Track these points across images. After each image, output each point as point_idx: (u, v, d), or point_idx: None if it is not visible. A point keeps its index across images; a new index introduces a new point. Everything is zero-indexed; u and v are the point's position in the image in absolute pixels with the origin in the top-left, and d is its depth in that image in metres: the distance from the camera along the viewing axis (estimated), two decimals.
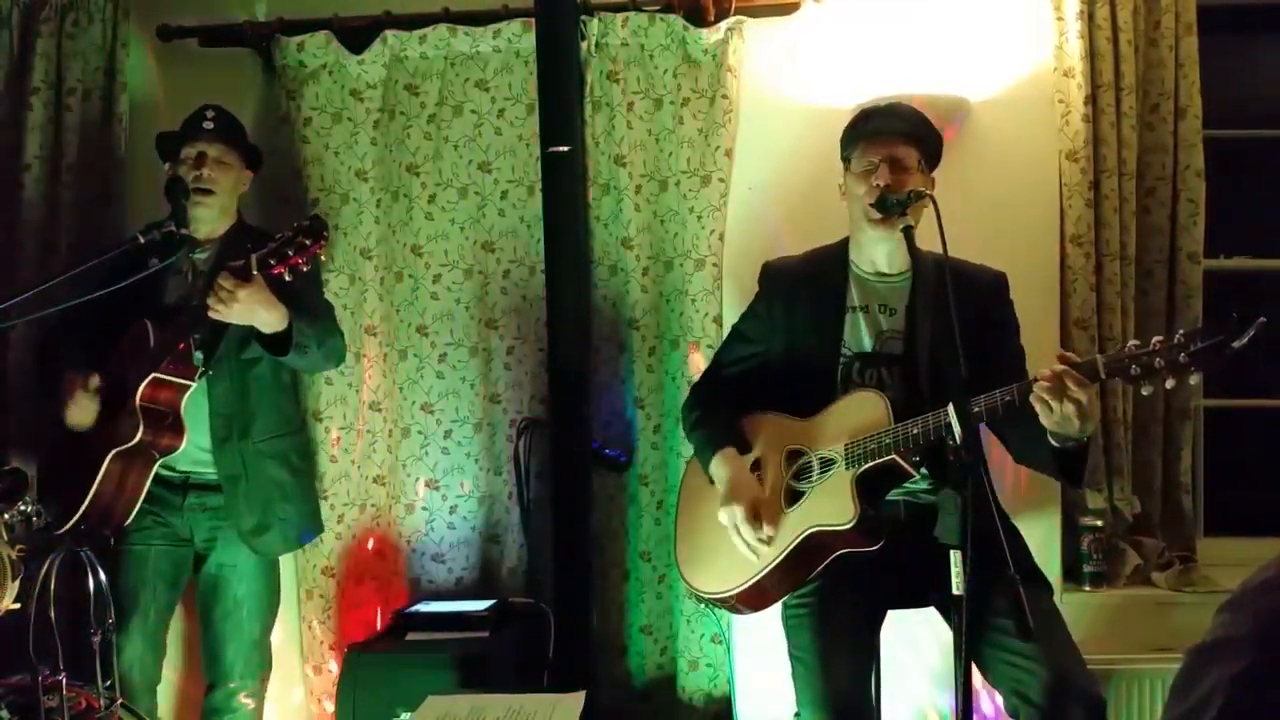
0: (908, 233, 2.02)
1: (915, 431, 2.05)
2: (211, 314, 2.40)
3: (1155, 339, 1.87)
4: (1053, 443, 1.99)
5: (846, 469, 2.14)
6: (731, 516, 2.20)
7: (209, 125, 2.67)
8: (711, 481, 2.34)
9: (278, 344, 2.51)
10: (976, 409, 1.97)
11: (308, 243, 2.37)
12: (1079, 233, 2.83)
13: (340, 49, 3.03)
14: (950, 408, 1.85)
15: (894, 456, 2.09)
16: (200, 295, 2.58)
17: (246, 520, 2.65)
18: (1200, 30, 2.88)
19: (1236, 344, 1.79)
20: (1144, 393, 1.94)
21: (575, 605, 2.87)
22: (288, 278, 2.40)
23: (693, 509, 2.44)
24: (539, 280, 3.00)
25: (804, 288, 2.38)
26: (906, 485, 2.20)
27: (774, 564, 2.16)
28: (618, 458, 2.97)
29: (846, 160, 2.34)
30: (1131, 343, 1.90)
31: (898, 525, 2.16)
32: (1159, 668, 2.67)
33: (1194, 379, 1.85)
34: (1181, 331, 1.86)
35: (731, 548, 2.24)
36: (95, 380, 2.54)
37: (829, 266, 2.37)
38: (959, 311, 1.87)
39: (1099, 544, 2.86)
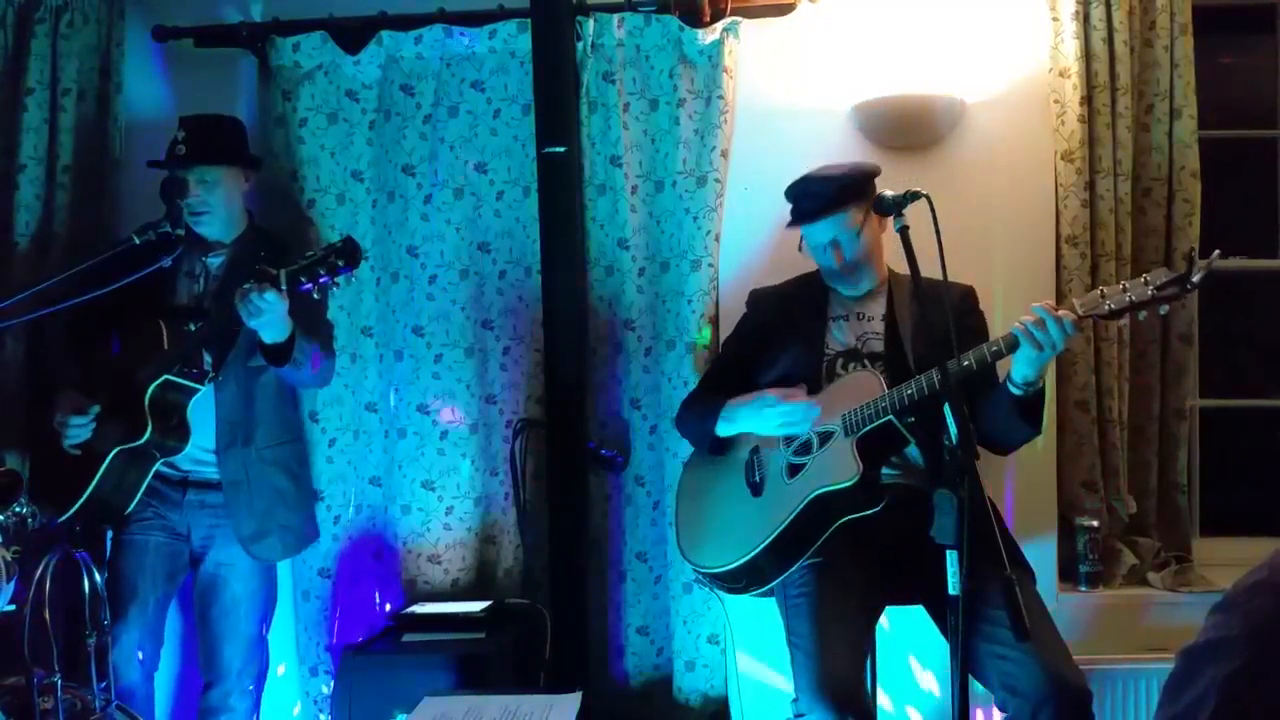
0: (904, 233, 2.03)
1: (909, 392, 2.17)
2: (246, 321, 2.38)
3: (1122, 283, 2.06)
4: (1014, 392, 2.11)
5: (845, 436, 2.25)
6: (774, 408, 2.32)
7: (181, 150, 2.66)
8: (720, 452, 2.45)
9: (277, 353, 2.51)
10: (966, 362, 2.10)
11: (341, 264, 2.37)
12: (1075, 233, 2.84)
13: (336, 49, 3.03)
14: (948, 410, 1.86)
15: (891, 418, 2.20)
16: (214, 298, 2.59)
17: (246, 526, 2.66)
18: (1195, 31, 2.88)
19: (1196, 277, 2.00)
20: (1119, 324, 2.14)
21: (572, 606, 2.87)
22: (316, 296, 2.41)
23: (694, 496, 2.54)
24: (535, 281, 3.00)
25: (788, 303, 2.56)
26: (896, 473, 2.29)
27: (778, 531, 2.24)
28: (614, 458, 2.97)
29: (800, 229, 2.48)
30: (1100, 287, 2.07)
31: (891, 508, 2.22)
32: (1154, 668, 2.68)
33: (1163, 310, 2.05)
34: (1145, 274, 2.06)
35: (735, 525, 2.32)
36: (91, 409, 2.54)
37: (809, 285, 2.56)
38: (934, 323, 2.13)
39: (1095, 544, 2.87)
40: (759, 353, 2.52)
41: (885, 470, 2.31)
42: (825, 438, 2.29)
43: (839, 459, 2.24)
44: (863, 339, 2.42)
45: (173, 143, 2.68)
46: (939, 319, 2.12)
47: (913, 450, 2.31)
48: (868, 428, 2.23)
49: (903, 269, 2.06)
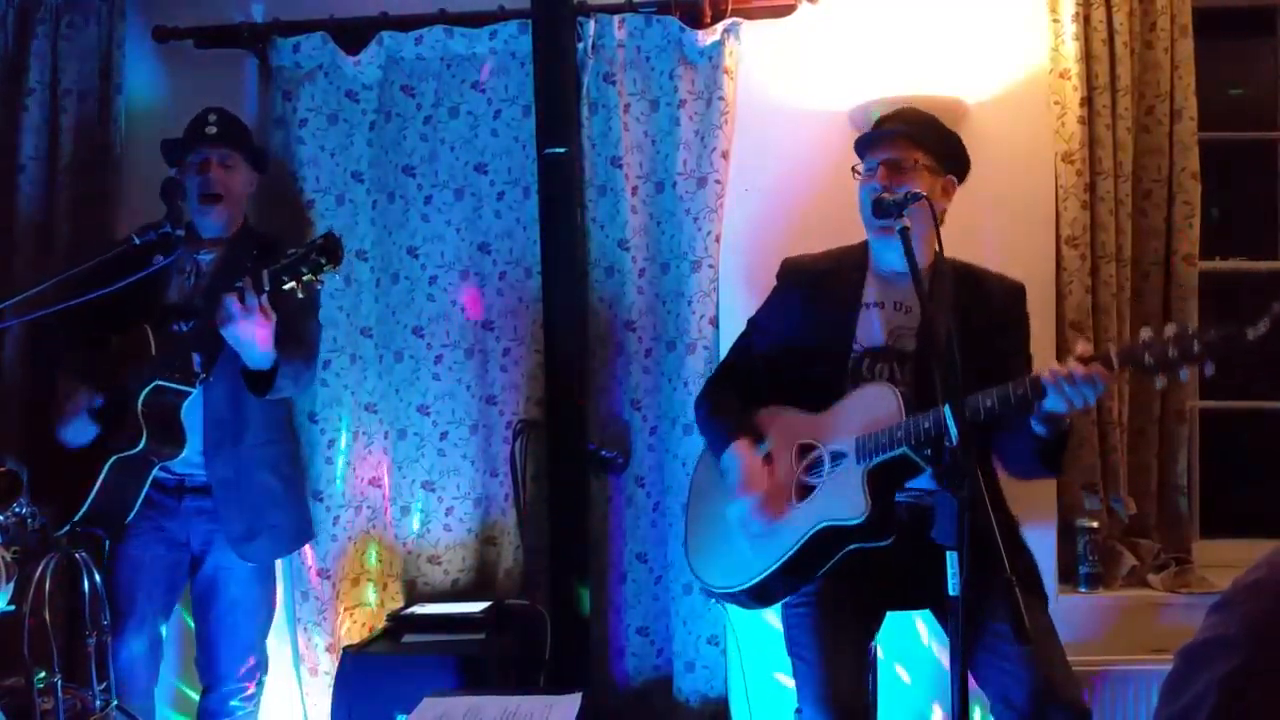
0: (904, 234, 2.00)
1: (927, 425, 2.03)
2: (219, 326, 2.36)
3: (1167, 327, 1.83)
4: (1038, 431, 2.00)
5: (858, 463, 2.13)
6: (744, 509, 2.20)
7: (212, 130, 2.67)
8: (723, 475, 2.32)
9: (258, 381, 2.49)
10: (989, 403, 1.96)
11: (323, 261, 2.33)
12: (1075, 234, 2.84)
13: (336, 50, 3.03)
14: (949, 410, 1.82)
15: (906, 450, 2.07)
16: (203, 297, 2.58)
17: (235, 526, 2.64)
18: (1196, 33, 2.88)
19: (1252, 334, 1.75)
20: (1157, 385, 1.88)
21: (572, 607, 2.88)
22: (300, 294, 2.38)
23: (704, 502, 2.43)
24: (535, 282, 3.00)
25: (821, 282, 2.37)
26: (909, 486, 2.20)
27: (785, 558, 2.16)
28: (614, 460, 2.97)
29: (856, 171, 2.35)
30: (1145, 332, 1.87)
31: (900, 528, 2.15)
32: (1154, 669, 2.67)
33: (1209, 369, 1.81)
34: (1194, 325, 1.83)
35: (742, 542, 2.24)
36: (96, 401, 2.53)
37: (847, 264, 2.37)
38: (975, 316, 1.98)
39: (1095, 545, 2.86)
40: (785, 337, 2.38)
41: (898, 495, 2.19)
42: (837, 458, 2.17)
43: (848, 491, 2.11)
44: (895, 334, 2.26)
45: (200, 122, 2.68)
46: (977, 322, 1.98)
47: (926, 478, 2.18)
48: (881, 458, 2.09)
49: (960, 250, 2.02)
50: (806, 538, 2.13)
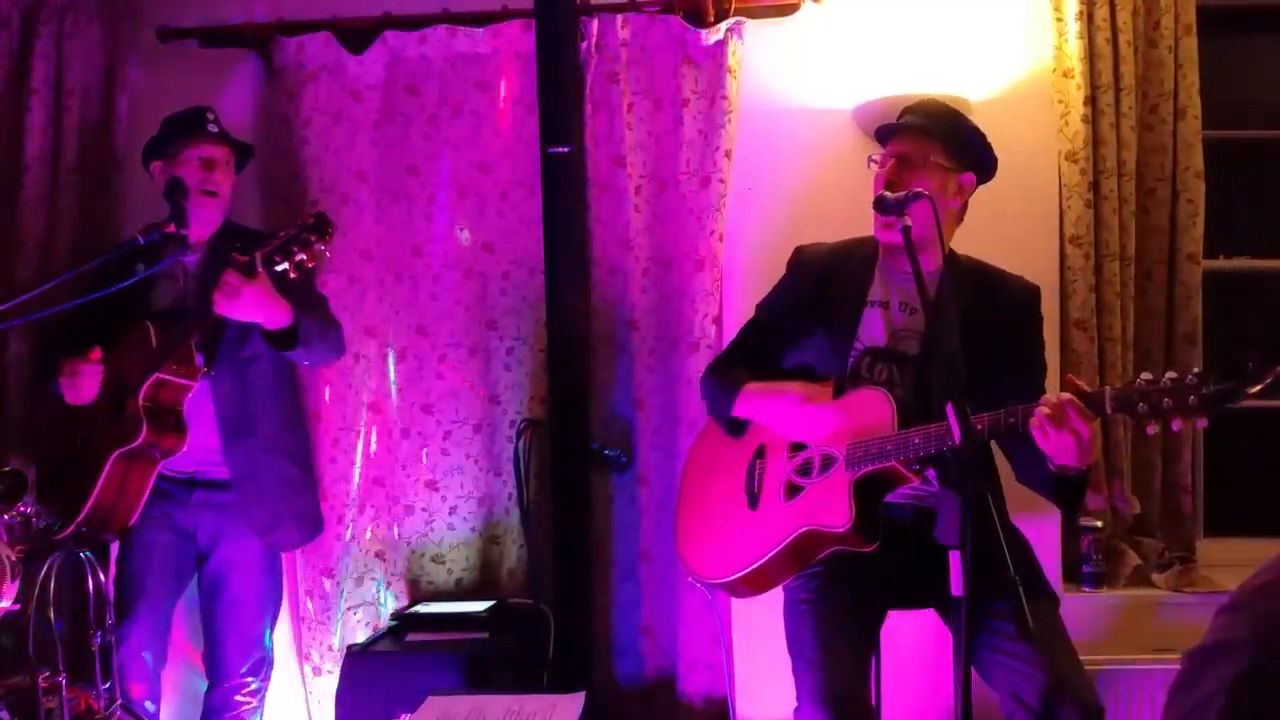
0: (905, 234, 1.99)
1: (916, 441, 2.02)
2: (217, 310, 2.36)
3: (1167, 374, 1.79)
4: (1051, 468, 1.95)
5: (846, 470, 2.11)
6: (799, 408, 2.16)
7: (214, 129, 2.67)
8: (732, 432, 2.31)
9: (283, 340, 2.50)
10: (979, 427, 1.93)
11: (313, 239, 2.34)
12: (1078, 233, 2.84)
13: (340, 50, 3.03)
14: (950, 410, 1.81)
15: (893, 464, 2.05)
16: (195, 297, 2.58)
17: (259, 517, 2.66)
18: (1199, 31, 2.88)
19: (1251, 390, 1.70)
20: (1148, 432, 1.84)
21: (575, 606, 2.88)
22: (293, 275, 2.38)
23: (696, 487, 2.42)
24: (539, 281, 3.00)
25: (828, 276, 2.32)
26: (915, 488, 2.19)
27: (768, 558, 2.15)
28: (617, 458, 2.97)
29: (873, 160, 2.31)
30: (1143, 376, 1.83)
31: (903, 527, 2.15)
32: (1159, 668, 2.67)
33: (1201, 423, 1.77)
34: (1195, 370, 1.77)
35: (727, 536, 2.24)
36: (95, 353, 2.52)
37: (857, 258, 2.31)
38: (986, 318, 1.97)
39: (1099, 544, 2.87)
40: (788, 328, 2.34)
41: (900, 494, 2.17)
42: (827, 462, 2.15)
43: (834, 498, 2.08)
44: (897, 336, 2.21)
45: (199, 120, 2.67)
46: (990, 325, 1.97)
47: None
48: (868, 468, 2.06)
49: (962, 250, 2.00)
50: (789, 541, 2.12)
